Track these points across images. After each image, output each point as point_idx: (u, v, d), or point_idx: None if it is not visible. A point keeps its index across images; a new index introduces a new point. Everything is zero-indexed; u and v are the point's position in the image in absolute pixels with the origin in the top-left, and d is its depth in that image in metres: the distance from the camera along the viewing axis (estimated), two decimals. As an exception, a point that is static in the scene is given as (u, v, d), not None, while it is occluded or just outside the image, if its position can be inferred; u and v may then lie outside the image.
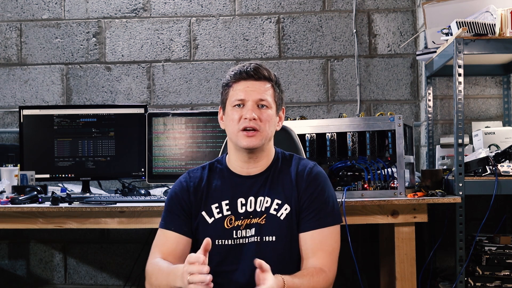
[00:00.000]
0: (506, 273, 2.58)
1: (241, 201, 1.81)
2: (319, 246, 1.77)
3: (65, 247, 3.48)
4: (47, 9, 3.52)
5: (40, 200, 2.65)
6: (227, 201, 1.82)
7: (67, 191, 2.95)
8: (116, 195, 2.93)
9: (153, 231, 3.30)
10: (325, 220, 1.78)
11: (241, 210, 1.81)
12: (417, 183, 2.69)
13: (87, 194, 2.92)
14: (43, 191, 2.76)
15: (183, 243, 1.82)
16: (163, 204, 2.49)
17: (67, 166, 3.07)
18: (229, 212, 1.81)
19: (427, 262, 2.91)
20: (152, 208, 2.51)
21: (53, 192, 2.74)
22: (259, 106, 1.78)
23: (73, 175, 3.08)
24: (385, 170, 2.49)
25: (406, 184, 2.47)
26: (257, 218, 1.80)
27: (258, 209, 1.80)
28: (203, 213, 1.82)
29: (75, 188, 3.16)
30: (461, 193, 2.49)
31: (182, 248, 1.81)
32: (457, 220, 2.51)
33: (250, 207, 1.81)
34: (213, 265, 1.75)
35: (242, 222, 1.80)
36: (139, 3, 3.48)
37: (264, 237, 1.78)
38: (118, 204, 2.55)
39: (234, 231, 1.80)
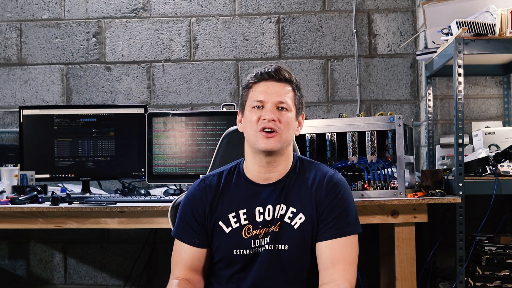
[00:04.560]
0: (506, 273, 2.58)
1: (259, 210, 1.76)
2: (339, 256, 1.70)
3: (65, 247, 3.48)
4: (47, 9, 3.52)
5: (40, 200, 2.65)
6: (244, 210, 1.76)
7: (67, 191, 2.95)
8: (116, 195, 2.93)
9: (153, 231, 3.34)
10: (345, 230, 1.72)
11: (259, 219, 1.75)
12: (417, 183, 2.69)
13: (87, 194, 2.91)
14: (43, 191, 2.76)
15: (198, 256, 1.78)
16: (163, 204, 2.52)
17: (67, 166, 3.07)
18: (246, 222, 1.76)
19: (427, 262, 2.91)
20: (152, 208, 2.51)
21: (53, 192, 2.74)
22: (278, 108, 1.72)
23: (73, 175, 3.08)
24: (385, 170, 2.49)
25: (406, 184, 2.47)
26: (273, 226, 1.75)
27: (275, 217, 1.75)
28: (220, 222, 1.77)
29: (75, 188, 3.16)
30: (461, 193, 2.49)
31: (198, 261, 1.78)
32: (457, 220, 2.51)
33: (268, 216, 1.75)
34: (229, 273, 1.77)
35: (260, 231, 1.75)
36: (139, 3, 3.48)
37: (277, 245, 1.74)
38: (118, 204, 2.55)
39: (253, 241, 1.75)
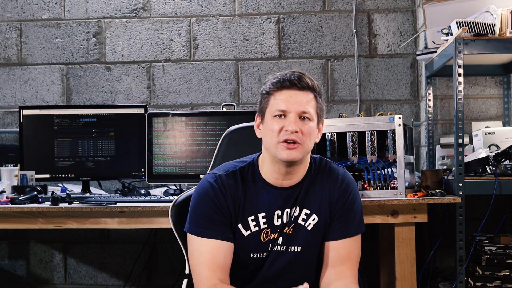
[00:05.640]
0: (506, 273, 2.58)
1: (278, 214, 1.75)
2: (348, 255, 1.73)
3: (65, 247, 3.48)
4: (47, 9, 3.52)
5: (40, 200, 2.65)
6: (263, 214, 1.74)
7: (67, 191, 2.95)
8: (116, 195, 2.93)
9: (153, 231, 3.34)
10: (353, 230, 1.76)
11: (277, 222, 1.74)
12: (417, 183, 2.69)
13: (87, 194, 2.91)
14: (43, 191, 2.76)
15: (230, 252, 1.72)
16: (163, 204, 2.51)
17: (67, 166, 3.07)
18: (265, 226, 1.74)
19: (427, 262, 2.91)
20: (152, 208, 2.51)
21: (53, 192, 2.74)
22: (301, 118, 1.68)
23: (73, 175, 3.08)
24: (385, 170, 2.49)
25: (406, 184, 2.47)
26: (287, 228, 1.75)
27: (290, 219, 1.75)
28: (239, 225, 1.74)
29: (75, 188, 3.16)
30: (461, 193, 2.49)
31: (230, 258, 1.72)
32: (457, 220, 2.51)
33: (286, 219, 1.75)
34: (241, 274, 1.76)
35: (277, 234, 1.75)
36: (139, 3, 3.48)
37: (290, 247, 1.75)
38: (118, 204, 2.55)
39: (270, 244, 1.75)
